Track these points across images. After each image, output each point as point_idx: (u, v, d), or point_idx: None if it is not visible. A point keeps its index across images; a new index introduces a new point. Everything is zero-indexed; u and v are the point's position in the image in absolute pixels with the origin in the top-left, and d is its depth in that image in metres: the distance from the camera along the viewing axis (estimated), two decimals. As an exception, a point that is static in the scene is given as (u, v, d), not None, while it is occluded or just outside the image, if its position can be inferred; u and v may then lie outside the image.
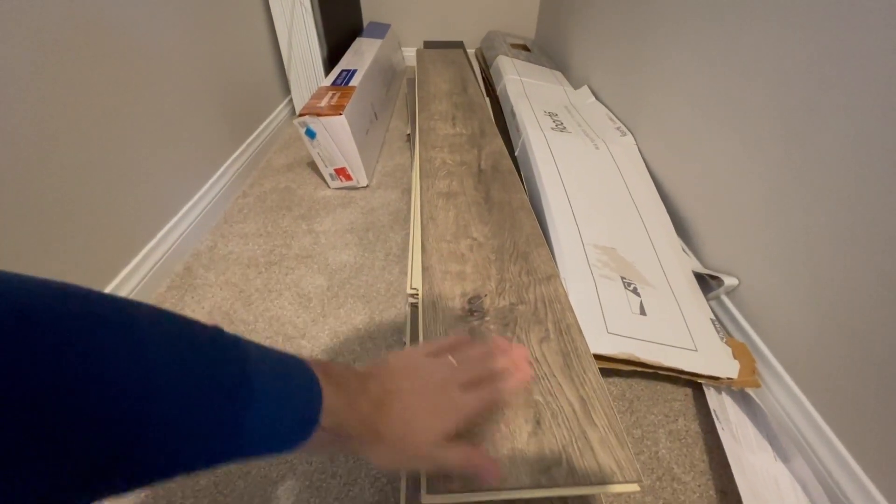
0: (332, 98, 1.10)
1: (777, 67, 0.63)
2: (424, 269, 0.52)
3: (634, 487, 0.33)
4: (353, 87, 1.16)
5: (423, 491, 0.29)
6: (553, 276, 0.52)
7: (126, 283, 0.75)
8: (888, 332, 0.48)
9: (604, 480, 0.33)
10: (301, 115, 1.02)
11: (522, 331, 0.45)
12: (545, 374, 0.40)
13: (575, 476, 0.33)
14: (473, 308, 0.47)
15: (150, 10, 0.81)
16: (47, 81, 0.61)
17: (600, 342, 0.61)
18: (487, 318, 0.46)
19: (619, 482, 0.33)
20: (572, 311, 0.47)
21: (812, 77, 0.57)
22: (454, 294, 0.49)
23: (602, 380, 0.40)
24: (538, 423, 0.37)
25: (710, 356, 0.64)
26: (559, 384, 0.40)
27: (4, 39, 0.55)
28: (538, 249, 0.56)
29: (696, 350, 0.65)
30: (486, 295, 0.49)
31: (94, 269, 0.70)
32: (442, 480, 0.31)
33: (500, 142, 0.85)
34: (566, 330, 0.45)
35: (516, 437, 0.36)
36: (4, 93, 0.55)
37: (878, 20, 0.49)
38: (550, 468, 0.33)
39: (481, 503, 0.34)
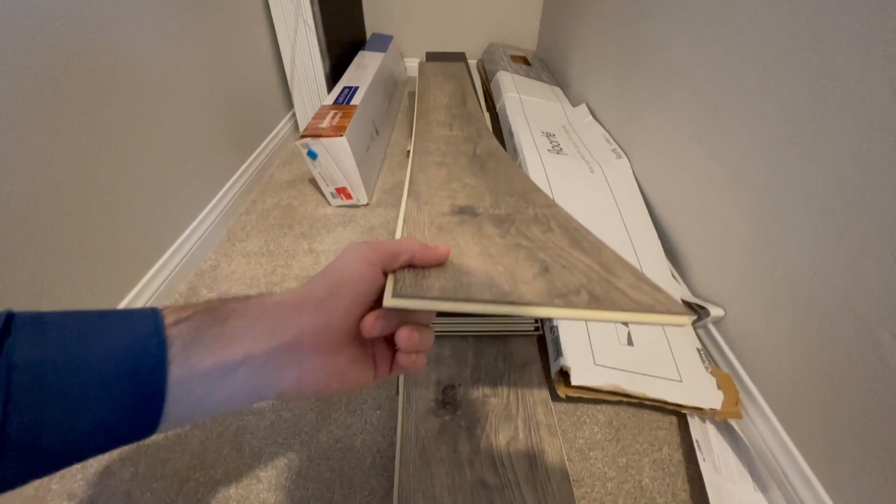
0: (333, 118, 1.12)
1: (763, 105, 0.65)
2: (410, 192, 0.48)
3: (684, 320, 0.26)
4: (355, 107, 1.19)
5: (385, 296, 0.25)
6: (555, 205, 0.46)
7: (133, 304, 0.78)
8: (867, 372, 0.50)
9: (644, 310, 0.26)
10: (303, 136, 1.05)
11: (522, 226, 0.39)
12: (550, 247, 0.35)
13: (601, 303, 0.27)
14: (464, 211, 0.42)
15: (154, 34, 0.84)
16: (52, 109, 0.64)
17: (587, 375, 0.63)
18: (481, 216, 0.41)
19: (664, 312, 0.27)
20: (580, 223, 0.42)
21: (794, 118, 0.59)
22: (443, 203, 0.44)
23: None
24: (546, 269, 0.30)
25: (694, 387, 0.66)
26: (569, 252, 0.34)
27: (6, 73, 0.58)
28: (536, 193, 0.49)
29: (681, 381, 0.67)
30: (478, 207, 0.44)
31: (102, 289, 0.73)
32: (413, 278, 0.26)
33: (495, 141, 0.85)
34: (573, 229, 0.40)
35: (517, 274, 0.30)
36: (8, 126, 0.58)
37: (857, 68, 0.51)
38: (566, 294, 0.27)
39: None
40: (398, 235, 0.38)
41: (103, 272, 0.73)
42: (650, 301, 0.27)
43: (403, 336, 0.25)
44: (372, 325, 0.25)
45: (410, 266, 0.28)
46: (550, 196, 0.95)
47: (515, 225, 0.39)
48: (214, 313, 0.21)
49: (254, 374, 0.21)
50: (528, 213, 0.43)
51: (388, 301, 0.25)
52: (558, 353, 0.66)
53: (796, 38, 0.59)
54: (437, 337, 0.56)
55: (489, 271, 0.30)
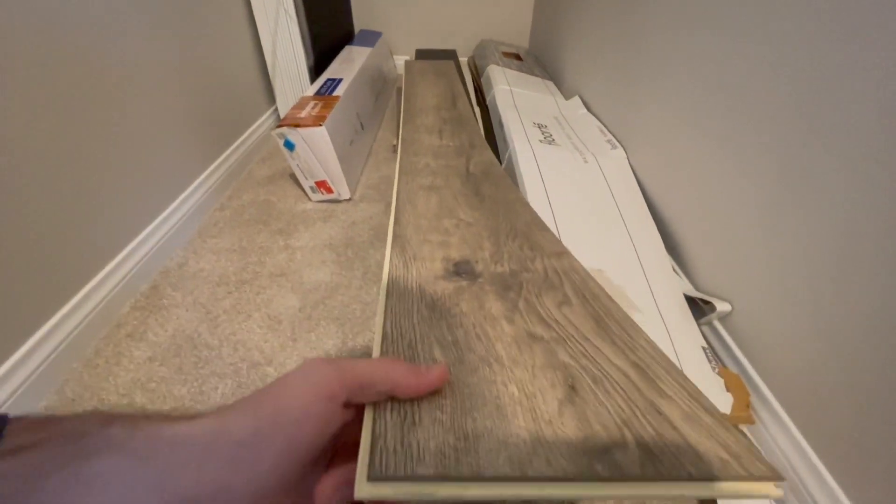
0: (314, 108, 1.06)
1: (772, 84, 0.59)
2: (395, 237, 0.41)
3: (772, 490, 0.19)
4: (338, 97, 1.13)
5: (358, 479, 0.18)
6: (565, 253, 0.39)
7: (84, 304, 0.71)
8: (893, 366, 0.44)
9: (712, 474, 0.19)
10: (279, 125, 0.98)
11: (532, 295, 0.32)
12: (571, 336, 0.28)
13: (658, 464, 0.19)
14: (461, 271, 0.35)
15: (121, 19, 0.78)
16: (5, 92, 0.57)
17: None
18: (481, 280, 0.34)
19: (741, 478, 0.19)
20: (596, 282, 0.34)
21: (808, 94, 0.54)
22: (435, 258, 0.37)
23: (661, 350, 0.28)
24: (573, 388, 0.24)
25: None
26: (596, 348, 0.27)
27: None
28: (542, 232, 0.43)
29: (686, 382, 0.60)
30: (477, 261, 0.37)
31: (51, 287, 0.66)
32: (397, 433, 0.20)
33: (490, 154, 0.80)
34: (592, 297, 0.32)
35: (537, 404, 0.23)
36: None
37: (876, 40, 0.45)
38: (609, 449, 0.20)
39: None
40: (377, 327, 0.29)
41: (51, 267, 0.66)
42: (716, 449, 0.20)
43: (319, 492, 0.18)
44: (329, 498, 0.18)
45: (391, 399, 0.21)
46: (543, 190, 0.90)
47: (524, 294, 0.32)
48: (76, 442, 0.14)
49: None
50: (536, 269, 0.35)
51: (363, 489, 0.17)
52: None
53: (801, 14, 0.54)
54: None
55: (500, 402, 0.22)
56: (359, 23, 1.94)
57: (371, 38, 1.75)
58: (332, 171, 1.04)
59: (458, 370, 0.24)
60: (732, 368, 0.66)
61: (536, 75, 1.55)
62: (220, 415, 0.17)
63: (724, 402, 0.59)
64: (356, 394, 0.19)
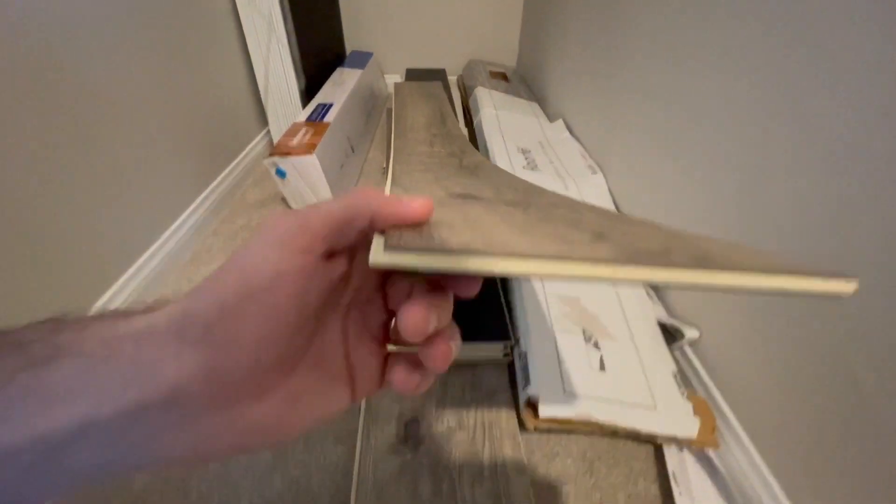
0: (304, 135, 1.10)
1: (733, 118, 0.64)
2: (393, 184, 0.39)
3: (845, 287, 0.16)
4: (328, 124, 1.16)
5: (374, 249, 0.16)
6: (569, 198, 0.36)
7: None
8: (846, 407, 0.47)
9: (779, 268, 0.17)
10: (271, 154, 1.02)
11: (543, 211, 0.30)
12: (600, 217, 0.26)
13: (715, 263, 0.17)
14: (467, 198, 0.34)
15: (109, 43, 0.80)
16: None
17: (556, 405, 0.60)
18: (486, 199, 0.32)
19: (814, 275, 0.16)
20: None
21: (765, 131, 0.58)
22: (435, 193, 0.35)
23: None
24: (601, 235, 0.20)
25: (669, 414, 0.63)
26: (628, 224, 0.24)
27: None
28: (543, 190, 0.40)
29: (656, 407, 0.64)
30: (484, 196, 0.35)
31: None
32: (412, 233, 0.17)
33: (482, 156, 0.82)
34: (603, 210, 0.29)
35: (567, 234, 0.20)
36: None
37: (838, 84, 0.49)
38: (656, 255, 0.17)
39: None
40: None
41: (43, 305, 0.68)
42: (778, 263, 0.17)
43: (411, 316, 0.16)
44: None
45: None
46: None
47: (534, 207, 0.29)
48: (27, 350, 0.13)
49: (105, 447, 0.13)
50: (543, 200, 0.33)
51: (378, 257, 0.15)
52: (526, 380, 0.63)
53: (771, 53, 0.58)
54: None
55: (524, 236, 0.19)
56: (350, 43, 1.98)
57: (362, 59, 1.79)
58: (323, 197, 1.07)
59: (466, 221, 0.20)
60: (701, 393, 0.70)
61: (522, 97, 1.60)
62: (182, 301, 0.15)
63: (692, 426, 0.63)
64: (336, 238, 0.17)
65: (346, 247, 0.18)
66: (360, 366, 0.19)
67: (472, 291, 0.19)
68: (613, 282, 0.16)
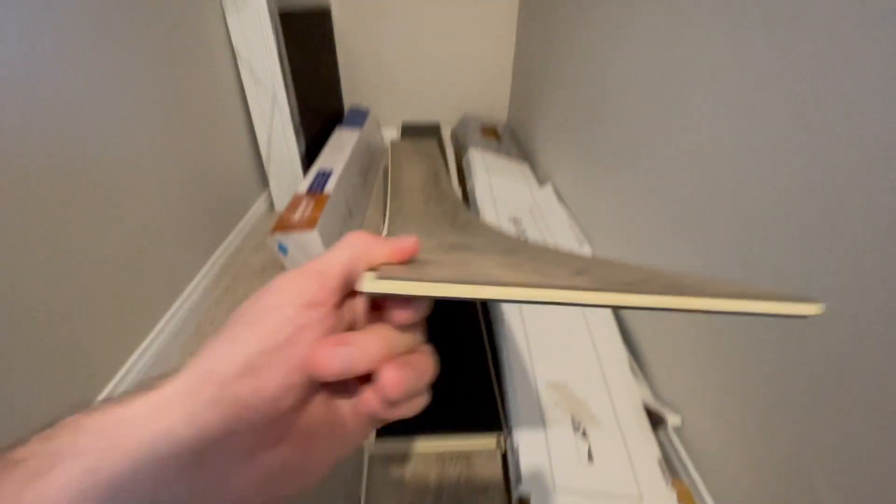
0: (305, 209, 1.15)
1: (700, 214, 0.69)
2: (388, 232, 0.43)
3: (809, 308, 0.17)
4: (327, 196, 1.22)
5: (364, 279, 0.18)
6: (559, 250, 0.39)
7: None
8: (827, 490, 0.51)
9: (746, 293, 0.18)
10: (273, 230, 1.07)
11: (531, 257, 0.32)
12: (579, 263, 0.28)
13: (685, 291, 0.18)
14: (458, 249, 0.36)
15: (120, 121, 0.83)
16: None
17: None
18: (477, 249, 0.35)
19: (780, 299, 0.17)
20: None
21: (734, 224, 0.63)
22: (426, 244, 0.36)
23: None
24: (582, 272, 0.23)
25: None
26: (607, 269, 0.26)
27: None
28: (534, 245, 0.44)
29: (642, 498, 0.67)
30: (475, 247, 0.37)
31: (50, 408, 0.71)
32: (399, 267, 0.19)
33: (473, 216, 0.86)
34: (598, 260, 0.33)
35: (549, 271, 0.23)
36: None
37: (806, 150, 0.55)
38: (632, 283, 0.19)
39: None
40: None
41: (46, 397, 0.71)
42: (750, 291, 0.18)
43: (390, 377, 0.17)
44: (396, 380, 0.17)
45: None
46: (517, 306, 0.98)
47: (521, 253, 0.31)
48: (24, 467, 0.13)
49: None
50: (531, 248, 0.35)
51: (370, 284, 0.17)
52: (518, 478, 0.66)
53: (752, 119, 0.64)
54: (398, 457, 0.54)
55: (510, 270, 0.21)
56: (348, 97, 2.07)
57: (359, 117, 1.87)
58: (323, 268, 1.12)
59: (454, 263, 0.23)
60: (684, 479, 0.73)
61: (514, 155, 1.67)
62: (198, 362, 0.16)
63: (675, 517, 0.66)
64: (346, 287, 0.18)
65: (352, 291, 0.19)
66: (341, 405, 0.20)
67: (415, 317, 0.19)
68: (591, 306, 0.18)
